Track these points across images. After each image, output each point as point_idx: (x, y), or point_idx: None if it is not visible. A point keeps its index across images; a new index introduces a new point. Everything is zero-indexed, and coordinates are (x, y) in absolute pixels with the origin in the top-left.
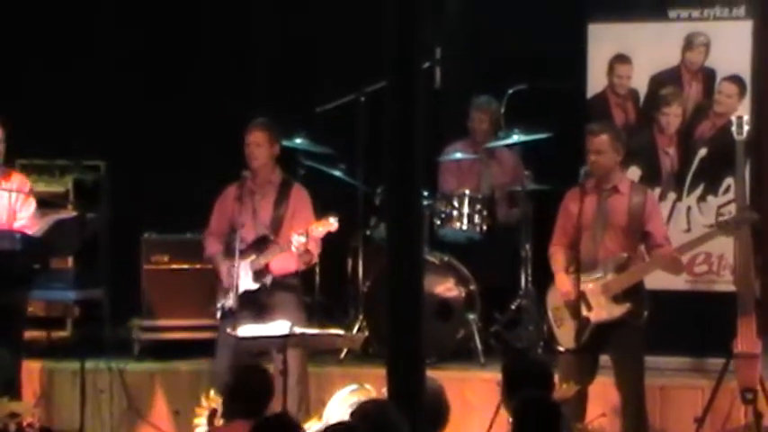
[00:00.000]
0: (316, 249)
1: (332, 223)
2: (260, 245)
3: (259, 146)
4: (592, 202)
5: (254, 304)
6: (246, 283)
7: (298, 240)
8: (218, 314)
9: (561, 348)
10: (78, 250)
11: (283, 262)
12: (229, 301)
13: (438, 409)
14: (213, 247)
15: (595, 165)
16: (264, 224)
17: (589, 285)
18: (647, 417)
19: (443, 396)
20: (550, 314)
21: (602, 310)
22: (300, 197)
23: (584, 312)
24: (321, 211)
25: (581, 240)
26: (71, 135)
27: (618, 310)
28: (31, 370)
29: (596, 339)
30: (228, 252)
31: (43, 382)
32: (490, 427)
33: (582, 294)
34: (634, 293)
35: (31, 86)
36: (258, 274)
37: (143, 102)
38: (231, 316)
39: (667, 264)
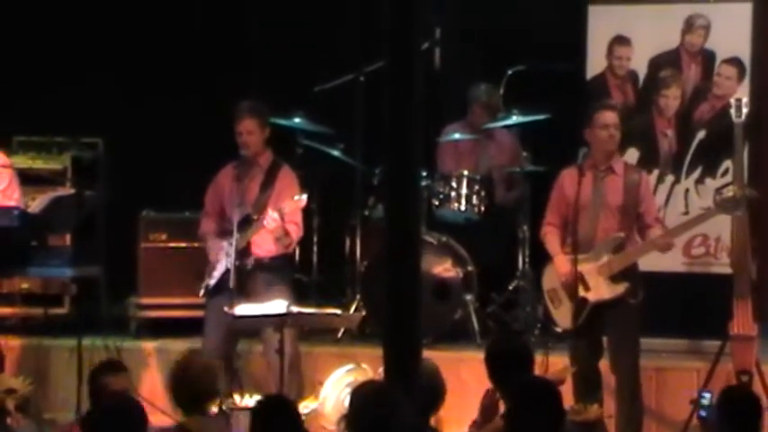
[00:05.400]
0: (296, 232)
1: (300, 200)
2: (244, 225)
3: (251, 134)
4: (588, 183)
5: (236, 284)
6: (230, 262)
7: (271, 217)
8: (201, 292)
9: (558, 329)
10: (76, 227)
11: (265, 243)
12: (213, 280)
13: (434, 390)
14: (206, 226)
15: (613, 140)
16: (250, 205)
17: (586, 265)
18: (641, 398)
19: (439, 376)
20: (546, 296)
21: (600, 290)
22: (286, 179)
23: (582, 293)
24: (318, 191)
25: (578, 221)
26: (69, 112)
27: (616, 290)
28: (28, 347)
29: (594, 320)
30: (220, 233)
31: (40, 360)
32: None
33: (579, 275)
34: (631, 273)
35: (28, 63)
36: (240, 254)
37: (141, 79)
38: (214, 294)
39: (660, 245)
